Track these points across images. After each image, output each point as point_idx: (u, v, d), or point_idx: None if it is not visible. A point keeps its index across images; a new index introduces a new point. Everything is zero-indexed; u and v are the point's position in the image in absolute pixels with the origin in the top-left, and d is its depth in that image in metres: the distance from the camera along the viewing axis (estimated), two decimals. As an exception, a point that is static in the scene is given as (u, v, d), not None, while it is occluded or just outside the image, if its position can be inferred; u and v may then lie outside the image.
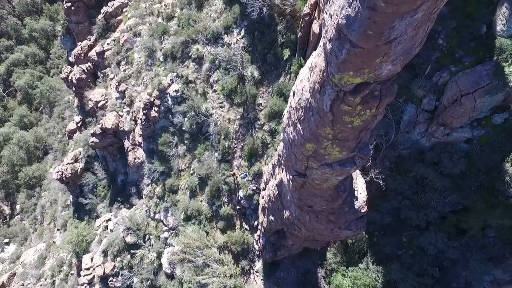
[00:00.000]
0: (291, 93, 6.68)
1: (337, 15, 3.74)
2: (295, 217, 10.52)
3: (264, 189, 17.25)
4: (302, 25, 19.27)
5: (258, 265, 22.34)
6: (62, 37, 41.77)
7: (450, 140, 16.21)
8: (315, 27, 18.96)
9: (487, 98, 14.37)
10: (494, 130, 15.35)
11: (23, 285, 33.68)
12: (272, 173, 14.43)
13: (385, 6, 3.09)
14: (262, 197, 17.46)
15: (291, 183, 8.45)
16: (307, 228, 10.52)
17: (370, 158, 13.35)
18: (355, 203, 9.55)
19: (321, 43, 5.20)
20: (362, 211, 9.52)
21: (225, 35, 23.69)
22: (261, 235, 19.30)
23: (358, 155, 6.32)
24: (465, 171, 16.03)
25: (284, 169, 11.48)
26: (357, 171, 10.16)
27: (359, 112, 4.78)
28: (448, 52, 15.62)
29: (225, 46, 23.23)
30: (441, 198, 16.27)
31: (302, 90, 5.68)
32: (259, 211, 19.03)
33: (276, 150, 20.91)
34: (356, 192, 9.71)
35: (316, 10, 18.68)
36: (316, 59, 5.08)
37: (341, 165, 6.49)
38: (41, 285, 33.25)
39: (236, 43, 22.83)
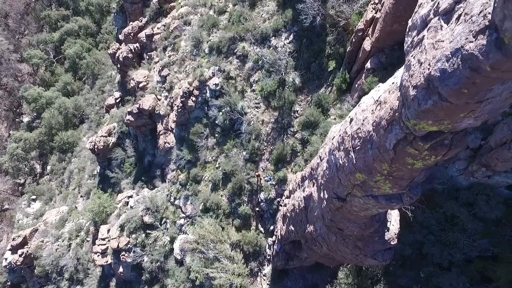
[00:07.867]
0: (348, 118, 6.65)
1: (429, 64, 3.69)
2: (319, 234, 10.48)
3: (288, 197, 17.22)
4: (353, 40, 18.97)
5: (267, 269, 22.41)
6: (115, 14, 43.49)
7: (490, 183, 15.44)
8: (366, 44, 18.59)
9: (540, 147, 13.53)
10: (541, 181, 14.47)
11: (43, 242, 35.69)
12: (300, 184, 14.38)
13: (491, 71, 3.03)
14: (285, 205, 17.44)
15: (325, 202, 8.42)
16: (330, 248, 10.46)
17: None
18: (385, 233, 9.38)
19: (394, 80, 5.15)
20: (392, 243, 9.33)
21: (273, 37, 23.76)
22: (276, 242, 19.34)
23: (408, 194, 6.22)
24: (501, 218, 15.23)
25: (315, 184, 11.43)
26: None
27: (424, 156, 4.73)
28: (504, 91, 14.86)
29: (271, 48, 23.30)
30: (469, 240, 15.56)
31: (363, 120, 5.66)
32: (279, 218, 19.05)
33: (305, 160, 20.83)
34: (388, 223, 9.53)
35: (371, 27, 18.30)
36: (387, 95, 5.02)
37: (387, 200, 6.41)
38: (58, 245, 35.09)
39: (283, 47, 22.84)
